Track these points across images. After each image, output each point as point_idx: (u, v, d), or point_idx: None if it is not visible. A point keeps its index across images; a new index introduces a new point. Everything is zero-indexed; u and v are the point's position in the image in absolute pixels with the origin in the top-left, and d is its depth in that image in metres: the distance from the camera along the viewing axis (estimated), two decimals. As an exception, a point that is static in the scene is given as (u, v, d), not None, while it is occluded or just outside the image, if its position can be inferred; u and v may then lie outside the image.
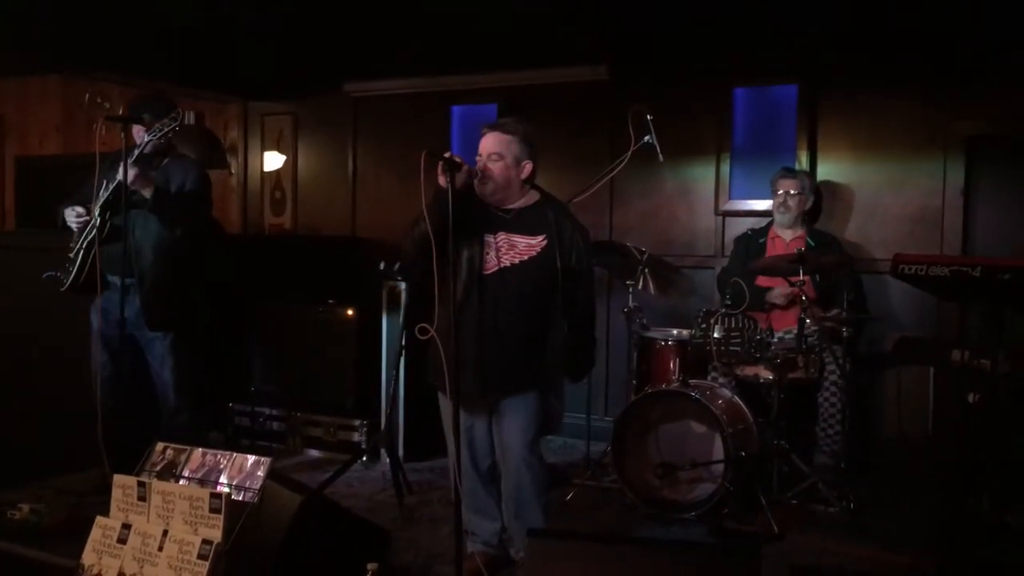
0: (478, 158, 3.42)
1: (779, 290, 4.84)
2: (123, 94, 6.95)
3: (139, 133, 4.25)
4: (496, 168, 3.38)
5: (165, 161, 4.39)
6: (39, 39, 5.46)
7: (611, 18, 5.43)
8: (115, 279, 4.18)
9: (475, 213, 3.37)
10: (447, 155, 3.18)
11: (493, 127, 3.47)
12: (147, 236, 4.29)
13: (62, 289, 4.29)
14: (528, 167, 3.43)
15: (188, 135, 6.41)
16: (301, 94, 6.99)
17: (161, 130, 4.06)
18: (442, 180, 3.17)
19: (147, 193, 4.17)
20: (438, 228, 3.09)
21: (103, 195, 4.20)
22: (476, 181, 3.34)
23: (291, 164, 7.13)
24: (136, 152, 4.10)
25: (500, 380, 3.38)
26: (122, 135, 4.09)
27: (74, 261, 4.27)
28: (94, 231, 4.17)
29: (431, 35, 5.88)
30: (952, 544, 3.67)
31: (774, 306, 4.87)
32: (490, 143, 3.41)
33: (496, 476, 3.58)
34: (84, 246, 4.23)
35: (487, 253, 3.37)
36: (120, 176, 4.09)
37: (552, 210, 3.46)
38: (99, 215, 4.19)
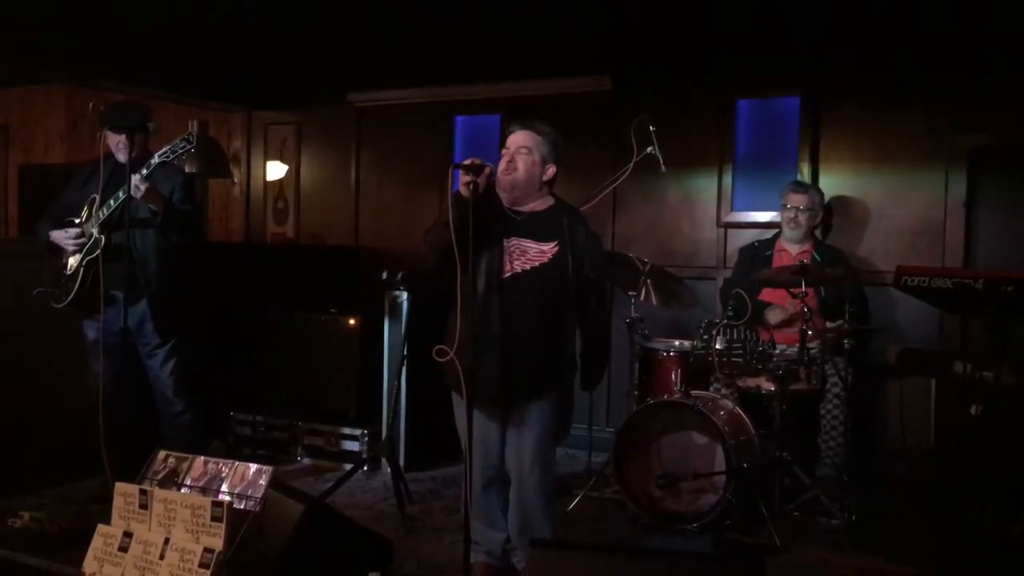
0: (504, 151, 3.43)
1: (777, 310, 4.82)
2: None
3: (116, 144, 4.22)
4: (523, 161, 3.39)
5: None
6: (44, 49, 5.48)
7: (614, 29, 5.45)
8: (118, 293, 4.17)
9: (492, 216, 3.35)
10: (470, 161, 3.18)
11: (525, 125, 3.47)
12: (147, 247, 4.28)
13: (59, 306, 4.29)
14: (551, 171, 3.45)
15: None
16: (304, 104, 7.01)
17: (176, 151, 3.97)
18: (463, 189, 3.16)
19: (155, 207, 4.14)
20: (458, 234, 3.07)
21: (103, 213, 4.17)
22: (500, 171, 3.35)
23: (294, 174, 7.15)
24: (153, 166, 4.01)
25: (520, 384, 3.36)
26: (98, 142, 4.10)
27: (74, 278, 4.25)
28: (96, 250, 4.16)
29: (434, 46, 5.90)
30: (955, 556, 3.66)
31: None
32: (520, 138, 3.43)
33: (504, 484, 3.54)
34: (84, 264, 4.22)
35: (503, 257, 3.36)
36: (123, 190, 4.06)
37: (566, 216, 3.45)
38: (99, 233, 4.17)
